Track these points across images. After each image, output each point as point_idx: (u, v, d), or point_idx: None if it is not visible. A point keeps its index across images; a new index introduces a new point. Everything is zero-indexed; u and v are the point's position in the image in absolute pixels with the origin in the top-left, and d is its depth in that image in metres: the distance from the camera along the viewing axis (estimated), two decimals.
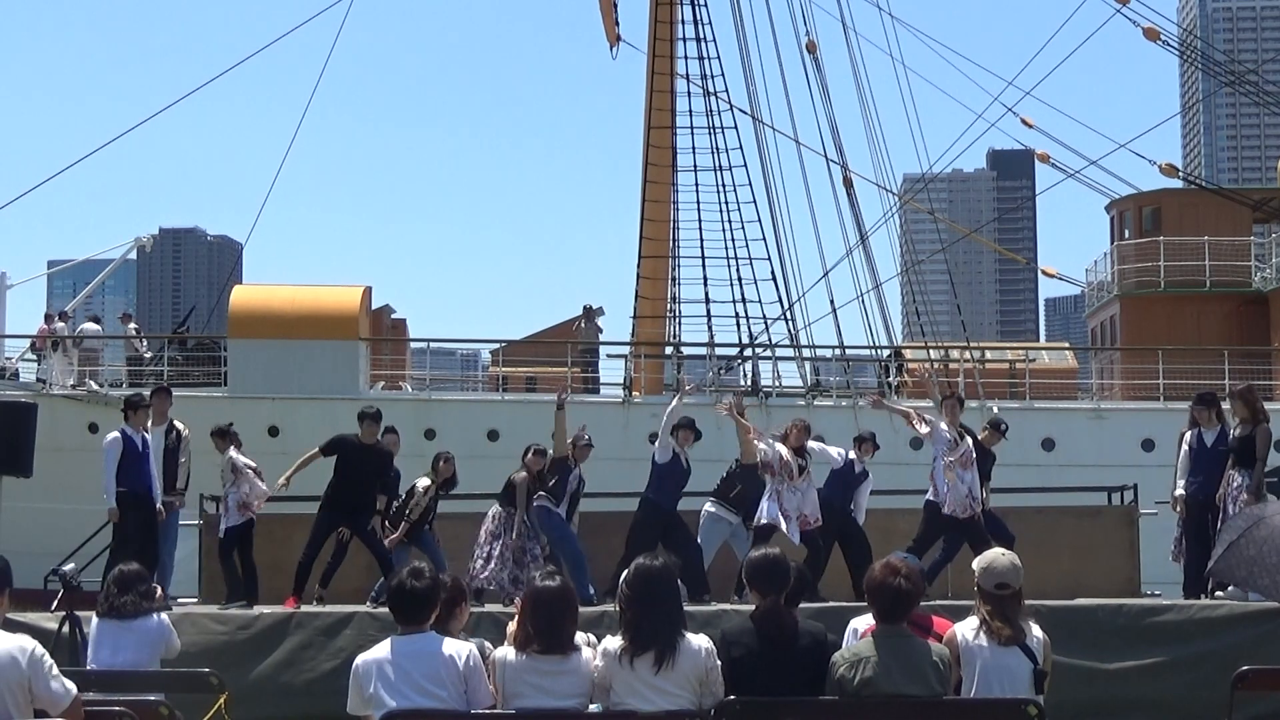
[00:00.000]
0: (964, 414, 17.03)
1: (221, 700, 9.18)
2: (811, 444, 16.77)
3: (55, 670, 6.77)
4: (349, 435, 16.48)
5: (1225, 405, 16.59)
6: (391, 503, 16.74)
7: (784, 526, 16.07)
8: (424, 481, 16.98)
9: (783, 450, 16.38)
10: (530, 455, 16.77)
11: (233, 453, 16.93)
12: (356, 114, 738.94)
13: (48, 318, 31.68)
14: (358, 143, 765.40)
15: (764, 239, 31.83)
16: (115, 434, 16.16)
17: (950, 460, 16.18)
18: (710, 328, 31.29)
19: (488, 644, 7.95)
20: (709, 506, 16.93)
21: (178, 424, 17.36)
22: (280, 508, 19.56)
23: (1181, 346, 30.88)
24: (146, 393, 17.60)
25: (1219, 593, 15.70)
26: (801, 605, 8.02)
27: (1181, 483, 16.28)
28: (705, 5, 32.89)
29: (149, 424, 16.50)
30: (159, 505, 16.52)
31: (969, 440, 16.46)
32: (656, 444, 16.84)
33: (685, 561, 16.05)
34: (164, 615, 10.36)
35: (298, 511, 19.17)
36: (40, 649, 6.72)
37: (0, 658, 6.59)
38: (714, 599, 16.03)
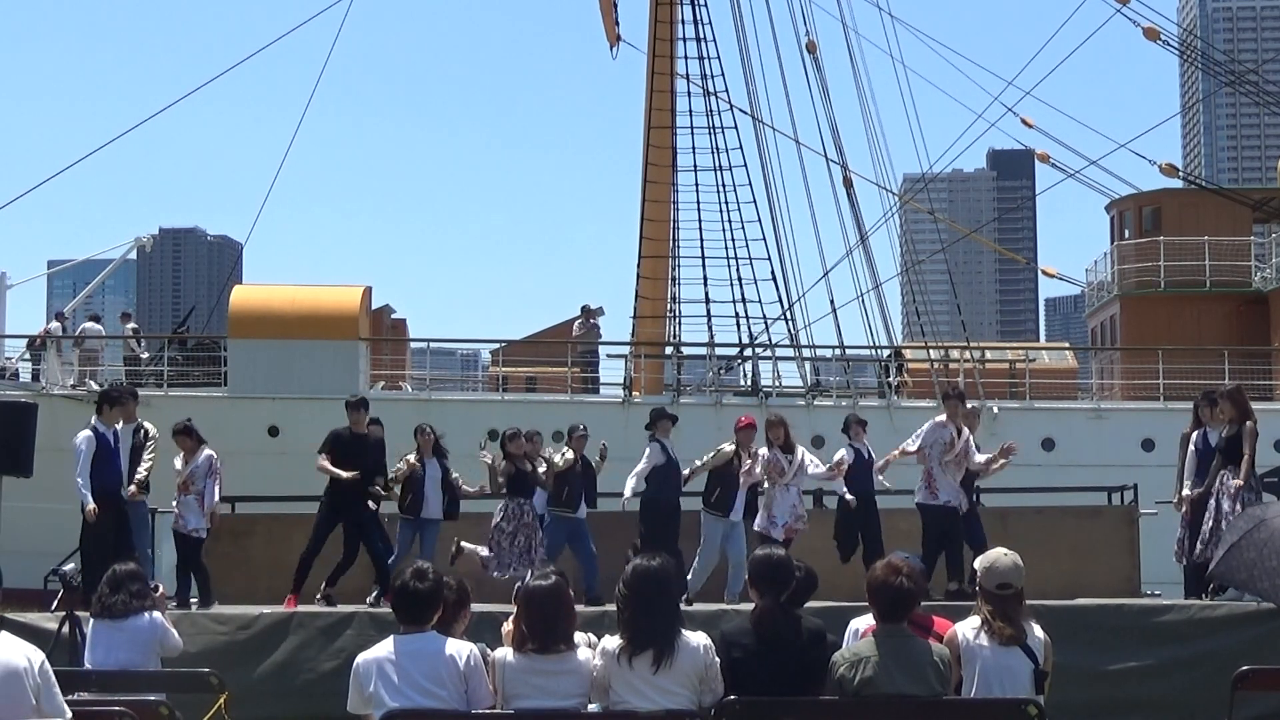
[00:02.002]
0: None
1: (221, 700, 9.18)
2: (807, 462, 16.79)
3: (57, 688, 6.75)
4: (340, 429, 16.54)
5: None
6: (386, 482, 16.73)
7: (771, 532, 16.18)
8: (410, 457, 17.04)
9: (764, 455, 16.51)
10: (509, 440, 16.92)
11: (211, 451, 16.87)
12: (356, 114, 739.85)
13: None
14: (358, 143, 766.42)
15: (764, 239, 31.89)
16: (87, 432, 16.03)
17: (947, 460, 16.26)
18: (710, 328, 31.32)
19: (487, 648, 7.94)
20: (704, 513, 17.02)
21: (146, 424, 17.19)
22: (280, 508, 19.59)
23: (1181, 346, 30.89)
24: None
25: (1219, 596, 15.69)
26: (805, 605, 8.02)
27: (1189, 483, 16.30)
28: (705, 5, 32.93)
29: (121, 421, 16.43)
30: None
31: (968, 437, 16.50)
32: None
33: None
34: (157, 614, 10.27)
35: (298, 511, 19.18)
36: (46, 662, 6.70)
37: (13, 663, 6.56)
38: (699, 600, 16.02)
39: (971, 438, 16.62)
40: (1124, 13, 33.22)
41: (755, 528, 16.40)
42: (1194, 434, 16.53)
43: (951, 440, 16.32)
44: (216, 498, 16.63)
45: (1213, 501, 15.85)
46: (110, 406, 16.29)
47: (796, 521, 16.45)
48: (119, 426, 16.39)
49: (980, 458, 16.51)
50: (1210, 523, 15.75)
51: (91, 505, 15.78)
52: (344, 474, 16.28)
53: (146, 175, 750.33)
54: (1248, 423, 15.82)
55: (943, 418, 16.59)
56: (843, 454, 16.83)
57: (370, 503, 16.49)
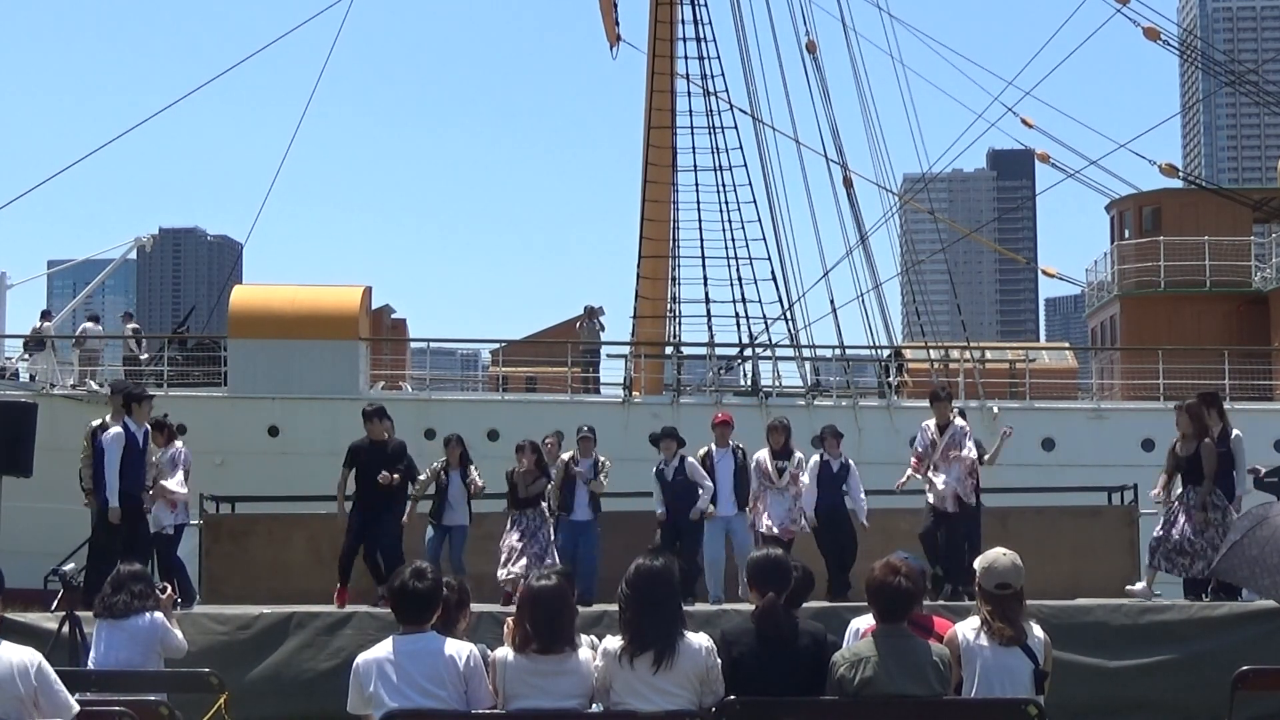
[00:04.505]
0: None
1: (221, 700, 9.18)
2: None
3: (59, 685, 6.74)
4: (359, 441, 16.52)
5: (1227, 404, 16.64)
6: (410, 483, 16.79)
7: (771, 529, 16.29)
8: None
9: (758, 459, 16.62)
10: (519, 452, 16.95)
11: (181, 446, 16.86)
12: (356, 114, 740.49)
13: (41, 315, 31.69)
14: (358, 143, 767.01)
15: (764, 239, 31.87)
16: (118, 429, 15.78)
17: (937, 460, 16.32)
18: (710, 328, 31.29)
19: (488, 648, 7.94)
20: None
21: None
22: (280, 508, 19.59)
23: (1181, 346, 30.88)
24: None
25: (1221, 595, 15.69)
26: (804, 605, 8.01)
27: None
28: (705, 5, 32.92)
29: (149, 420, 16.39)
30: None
31: (953, 430, 16.48)
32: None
33: (685, 566, 16.26)
34: (158, 614, 10.29)
35: (297, 511, 19.19)
36: (45, 663, 6.68)
37: (8, 668, 6.55)
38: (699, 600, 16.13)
39: (964, 427, 16.59)
40: (1124, 13, 33.24)
41: (753, 527, 16.47)
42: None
43: (933, 440, 16.44)
44: (183, 489, 16.58)
45: (1179, 516, 15.78)
46: (139, 404, 16.10)
47: (793, 525, 16.51)
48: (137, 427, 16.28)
49: (970, 453, 16.48)
50: (1177, 535, 15.69)
51: (115, 505, 15.57)
52: (342, 506, 16.40)
53: (146, 175, 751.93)
54: (1206, 440, 15.79)
55: (925, 421, 16.74)
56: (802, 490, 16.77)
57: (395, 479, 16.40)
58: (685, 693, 7.06)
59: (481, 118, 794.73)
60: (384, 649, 7.20)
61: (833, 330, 31.72)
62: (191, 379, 29.05)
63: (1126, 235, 35.65)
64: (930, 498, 16.55)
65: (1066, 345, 46.03)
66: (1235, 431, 16.34)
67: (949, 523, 16.37)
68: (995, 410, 27.57)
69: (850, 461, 17.19)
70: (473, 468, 17.23)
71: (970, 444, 16.58)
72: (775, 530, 16.35)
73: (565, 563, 16.07)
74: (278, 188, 32.70)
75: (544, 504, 16.67)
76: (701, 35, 32.66)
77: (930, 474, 16.52)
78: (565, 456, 17.22)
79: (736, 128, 32.50)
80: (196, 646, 13.85)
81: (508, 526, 16.58)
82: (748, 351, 31.42)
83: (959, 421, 16.66)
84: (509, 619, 7.46)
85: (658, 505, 16.90)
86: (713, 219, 32.15)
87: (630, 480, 17.80)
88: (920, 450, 16.70)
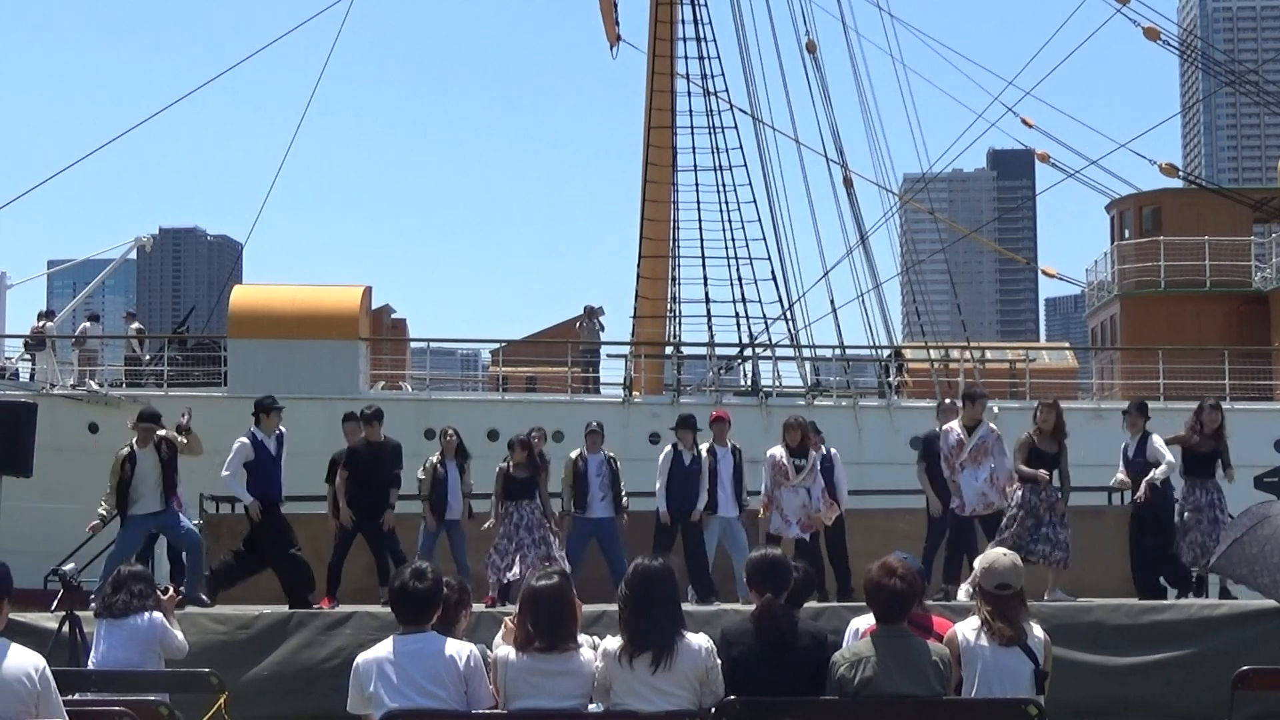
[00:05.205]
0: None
1: (221, 700, 9.17)
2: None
3: (57, 694, 6.74)
4: (356, 443, 16.53)
5: (1226, 404, 16.65)
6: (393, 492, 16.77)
7: (787, 533, 16.17)
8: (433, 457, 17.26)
9: (772, 456, 16.50)
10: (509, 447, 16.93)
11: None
12: (356, 114, 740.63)
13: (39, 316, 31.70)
14: (358, 143, 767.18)
15: (764, 239, 31.88)
16: (244, 439, 16.33)
17: (962, 461, 16.16)
18: (710, 328, 31.30)
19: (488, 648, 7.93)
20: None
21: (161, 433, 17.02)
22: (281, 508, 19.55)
23: (1181, 346, 30.86)
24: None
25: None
26: (805, 605, 8.02)
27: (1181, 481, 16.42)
28: (705, 5, 32.94)
29: (279, 428, 16.67)
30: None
31: (984, 432, 16.31)
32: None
33: (691, 563, 16.21)
34: (157, 614, 10.29)
35: (298, 511, 19.16)
36: (49, 669, 6.69)
37: (14, 671, 6.56)
38: (717, 599, 16.14)
39: (995, 431, 16.41)
40: (1124, 13, 33.26)
41: (770, 530, 16.36)
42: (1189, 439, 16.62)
43: (959, 442, 16.20)
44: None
45: (1041, 511, 15.80)
46: (267, 415, 16.60)
47: (815, 513, 16.39)
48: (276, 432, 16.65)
49: (1007, 462, 16.28)
50: (1017, 526, 15.70)
51: (250, 500, 16.15)
52: (344, 512, 16.37)
53: (146, 175, 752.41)
54: (1066, 441, 15.99)
55: (949, 424, 16.52)
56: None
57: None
58: (685, 693, 7.06)
59: (482, 118, 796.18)
60: (384, 649, 7.20)
61: (833, 330, 31.79)
62: (191, 379, 29.05)
63: (1126, 235, 35.64)
64: (953, 504, 16.18)
65: (1066, 345, 46.00)
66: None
67: (966, 529, 16.16)
68: (995, 410, 27.52)
69: (833, 451, 17.24)
70: (468, 463, 17.26)
71: (1006, 454, 16.22)
72: (794, 531, 16.26)
73: (573, 561, 16.09)
74: (278, 188, 32.77)
75: (538, 499, 16.63)
76: (701, 35, 32.70)
77: (956, 476, 16.17)
78: (573, 455, 17.23)
79: (736, 128, 32.57)
80: (196, 646, 13.84)
81: (502, 519, 16.51)
82: (748, 351, 31.42)
83: (990, 425, 16.43)
84: (507, 618, 7.46)
85: (661, 502, 16.81)
86: (713, 219, 32.22)
87: (630, 480, 17.78)
88: (946, 454, 16.25)
